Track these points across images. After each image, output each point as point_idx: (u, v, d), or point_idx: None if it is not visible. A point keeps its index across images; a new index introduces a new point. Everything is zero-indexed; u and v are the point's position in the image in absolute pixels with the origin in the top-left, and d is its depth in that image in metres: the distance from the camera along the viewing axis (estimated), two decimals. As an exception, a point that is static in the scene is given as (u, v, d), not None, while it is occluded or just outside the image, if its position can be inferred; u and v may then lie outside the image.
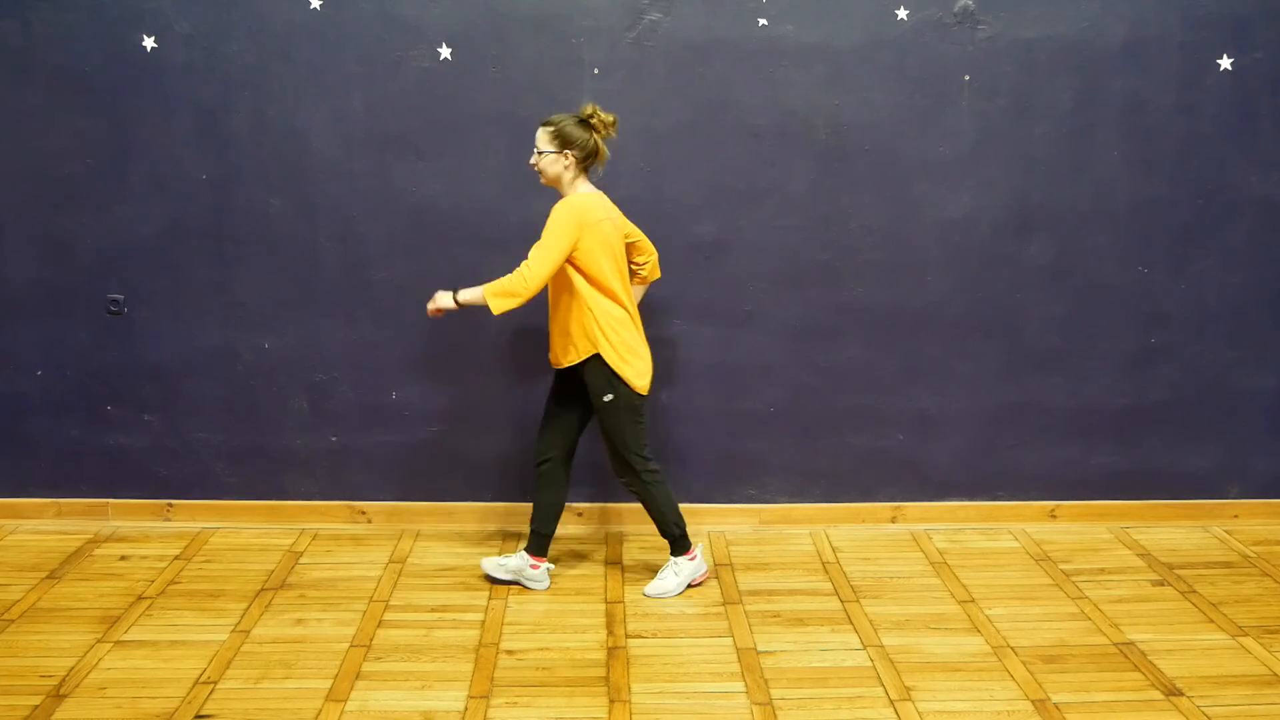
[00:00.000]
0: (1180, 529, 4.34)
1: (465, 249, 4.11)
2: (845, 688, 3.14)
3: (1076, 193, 4.15)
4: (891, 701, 3.07)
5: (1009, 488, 4.37)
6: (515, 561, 3.78)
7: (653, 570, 3.91)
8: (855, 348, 4.23)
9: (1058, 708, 3.03)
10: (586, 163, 3.59)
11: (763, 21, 3.99)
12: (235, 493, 4.28)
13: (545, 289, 3.64)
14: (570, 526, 4.30)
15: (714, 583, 3.84)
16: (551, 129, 3.54)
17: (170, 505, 4.29)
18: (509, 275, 3.49)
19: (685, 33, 3.99)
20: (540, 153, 3.55)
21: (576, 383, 3.70)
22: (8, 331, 4.16)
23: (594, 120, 3.56)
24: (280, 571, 3.89)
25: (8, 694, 3.05)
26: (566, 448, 3.78)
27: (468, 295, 3.55)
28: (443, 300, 3.59)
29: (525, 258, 4.17)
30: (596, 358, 3.57)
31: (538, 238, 4.10)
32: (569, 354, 3.63)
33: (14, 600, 3.64)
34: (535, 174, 4.04)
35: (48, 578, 3.81)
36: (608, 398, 3.60)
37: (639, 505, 4.30)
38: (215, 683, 3.13)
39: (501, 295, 3.48)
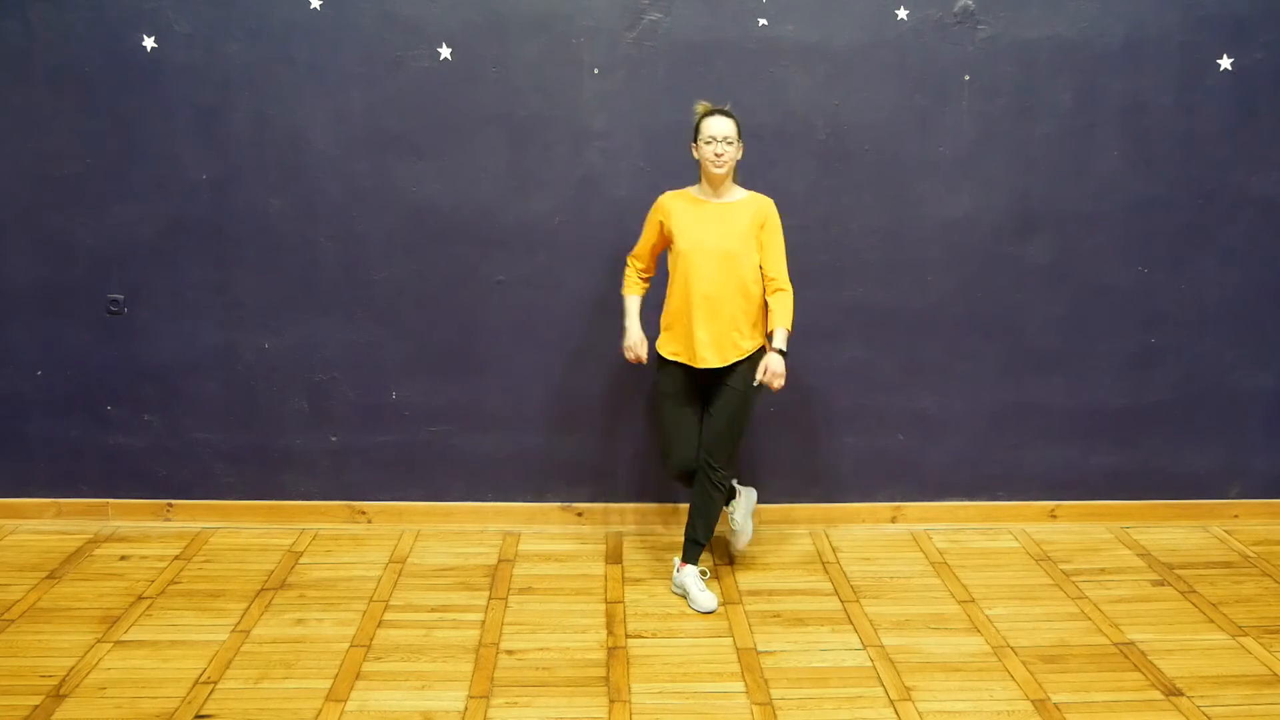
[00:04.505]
0: (1180, 529, 4.34)
1: (465, 249, 4.11)
2: (845, 688, 3.14)
3: (1076, 193, 4.15)
4: (891, 701, 3.07)
5: (1009, 488, 4.37)
6: (682, 578, 3.71)
7: (653, 570, 3.91)
8: (855, 348, 4.23)
9: (1058, 708, 3.03)
10: None
11: (763, 21, 3.98)
12: (235, 493, 4.28)
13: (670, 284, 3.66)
14: (570, 526, 4.30)
15: (714, 583, 3.83)
16: (736, 120, 3.55)
17: (170, 505, 4.29)
18: (786, 296, 3.59)
19: (685, 33, 3.99)
20: (730, 142, 3.52)
21: (705, 381, 3.65)
22: (8, 331, 4.16)
23: None
24: (280, 571, 3.89)
25: (8, 694, 3.05)
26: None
27: (782, 339, 3.56)
28: (780, 366, 3.53)
29: (523, 257, 4.19)
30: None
31: (535, 237, 4.12)
32: (740, 348, 3.58)
33: (14, 600, 3.64)
34: (532, 174, 4.05)
35: (48, 578, 3.81)
36: (756, 382, 3.58)
37: (638, 505, 4.31)
38: (215, 683, 3.13)
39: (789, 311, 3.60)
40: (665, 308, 3.67)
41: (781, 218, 4.10)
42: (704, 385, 3.67)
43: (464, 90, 4.01)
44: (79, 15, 3.92)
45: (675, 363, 3.65)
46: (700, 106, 3.61)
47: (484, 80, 4.01)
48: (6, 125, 4.01)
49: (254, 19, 3.94)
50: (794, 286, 4.16)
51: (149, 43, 3.95)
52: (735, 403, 3.60)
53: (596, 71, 4.01)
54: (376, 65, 3.98)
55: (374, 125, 4.03)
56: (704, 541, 3.70)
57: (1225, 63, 4.06)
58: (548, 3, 3.96)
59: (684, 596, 3.68)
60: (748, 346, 3.60)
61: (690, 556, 3.71)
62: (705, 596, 3.62)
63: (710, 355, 3.57)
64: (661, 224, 3.62)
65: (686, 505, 4.29)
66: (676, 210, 3.60)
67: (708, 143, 3.51)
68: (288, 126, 4.02)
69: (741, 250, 3.54)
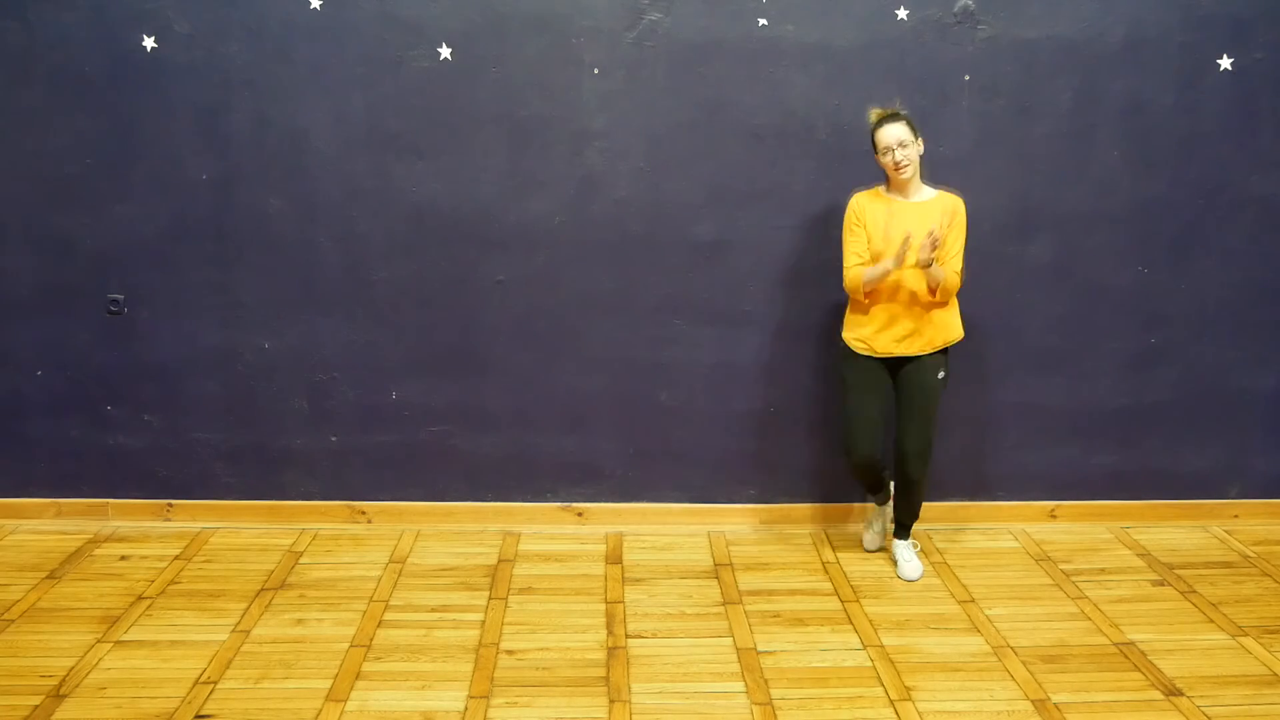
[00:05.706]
0: (1180, 529, 4.34)
1: (465, 249, 4.11)
2: (845, 688, 3.14)
3: (1076, 193, 4.15)
4: (891, 701, 3.07)
5: (1009, 488, 4.37)
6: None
7: (653, 570, 3.91)
8: (855, 348, 4.23)
9: (1058, 708, 3.03)
10: None
11: (763, 21, 3.98)
12: (235, 493, 4.28)
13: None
14: (570, 526, 4.30)
15: (714, 582, 3.84)
16: (907, 119, 3.60)
17: (170, 505, 4.29)
18: (952, 280, 3.63)
19: (685, 33, 3.99)
20: (906, 145, 3.58)
21: (893, 370, 3.77)
22: (8, 331, 4.16)
23: None
24: (280, 571, 3.89)
25: (8, 694, 3.06)
26: None
27: (938, 272, 3.61)
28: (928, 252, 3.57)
29: (523, 257, 4.19)
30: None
31: (535, 237, 4.11)
32: (937, 340, 3.72)
33: (14, 600, 3.64)
34: (532, 174, 4.05)
35: (48, 578, 3.82)
36: (942, 374, 3.77)
37: (638, 505, 4.31)
38: (215, 683, 3.13)
39: (946, 294, 3.67)
40: (854, 304, 3.76)
41: (781, 218, 4.13)
42: (893, 374, 3.78)
43: (464, 90, 4.01)
44: (79, 15, 3.92)
45: (865, 356, 3.74)
46: (872, 115, 3.67)
47: (484, 80, 4.01)
48: (6, 125, 4.01)
49: (254, 19, 3.94)
50: (793, 287, 4.18)
51: (149, 43, 3.95)
52: (932, 400, 3.75)
53: (596, 71, 4.01)
54: (376, 65, 3.98)
55: (374, 125, 4.03)
56: (912, 523, 3.96)
57: (1225, 63, 4.06)
58: (548, 3, 3.96)
59: (894, 563, 3.97)
60: (948, 337, 3.74)
61: (902, 535, 3.97)
62: (911, 566, 3.88)
63: (915, 345, 3.70)
64: (865, 225, 3.68)
65: (686, 505, 4.32)
66: (872, 212, 3.68)
67: (884, 154, 3.60)
68: (288, 126, 4.02)
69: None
